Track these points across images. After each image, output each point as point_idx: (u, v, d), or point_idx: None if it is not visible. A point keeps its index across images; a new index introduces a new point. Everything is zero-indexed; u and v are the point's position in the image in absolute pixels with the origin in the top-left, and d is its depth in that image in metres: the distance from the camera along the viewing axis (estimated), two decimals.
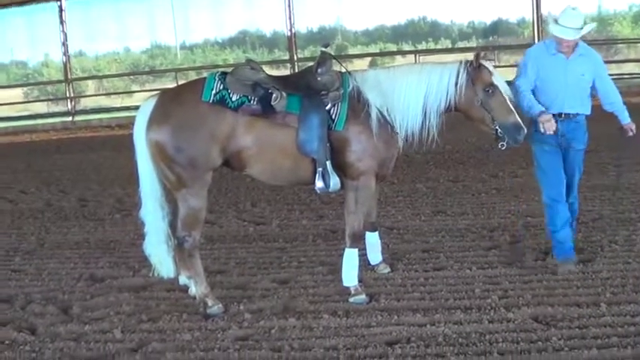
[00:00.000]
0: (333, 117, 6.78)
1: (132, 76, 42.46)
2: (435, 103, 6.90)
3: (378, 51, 38.92)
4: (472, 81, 6.85)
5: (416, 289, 7.23)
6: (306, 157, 6.78)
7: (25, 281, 8.19)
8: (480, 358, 5.71)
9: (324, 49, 7.08)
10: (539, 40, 28.34)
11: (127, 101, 34.18)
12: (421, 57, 30.47)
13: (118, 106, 32.79)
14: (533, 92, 7.32)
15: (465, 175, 12.64)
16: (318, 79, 6.86)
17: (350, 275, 7.09)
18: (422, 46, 40.04)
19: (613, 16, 43.77)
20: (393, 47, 43.77)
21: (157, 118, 6.70)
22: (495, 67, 7.19)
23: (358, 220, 7.04)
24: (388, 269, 7.71)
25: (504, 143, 6.91)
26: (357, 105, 6.85)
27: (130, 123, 26.76)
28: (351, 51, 39.97)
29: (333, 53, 7.13)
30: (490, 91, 6.84)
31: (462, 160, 14.07)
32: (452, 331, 6.20)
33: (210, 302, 6.90)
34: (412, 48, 41.41)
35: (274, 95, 6.69)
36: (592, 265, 7.61)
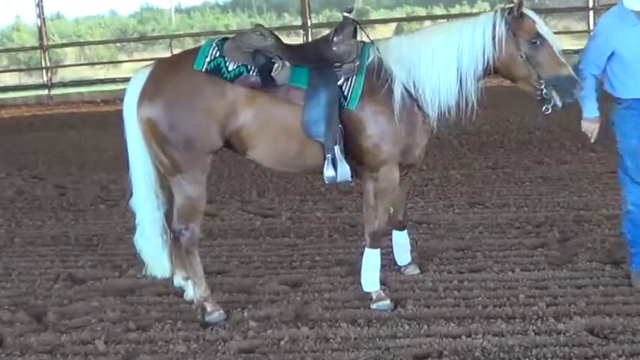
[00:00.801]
0: (346, 93, 6.68)
1: (118, 44, 42.60)
2: (470, 66, 6.70)
3: (404, 16, 38.84)
4: (513, 32, 6.61)
5: (449, 294, 7.18)
6: (314, 140, 6.71)
7: None
8: None
9: (346, 14, 6.96)
10: (593, 3, 28.15)
11: (113, 72, 34.30)
12: None
13: (103, 77, 32.85)
14: (610, 77, 7.08)
15: (506, 161, 12.60)
16: (334, 48, 6.77)
17: (370, 279, 7.05)
18: (455, 10, 39.99)
19: None
20: (421, 11, 43.77)
21: (148, 92, 6.66)
22: None
23: (380, 217, 6.98)
24: (418, 271, 7.67)
25: (549, 107, 6.64)
26: (377, 80, 6.71)
27: (116, 98, 26.95)
28: (373, 16, 40.05)
29: (355, 19, 7.02)
30: (537, 42, 6.60)
31: (501, 144, 14.02)
32: (491, 344, 6.15)
33: (209, 308, 6.86)
34: (444, 12, 41.41)
35: (275, 65, 6.59)
36: None
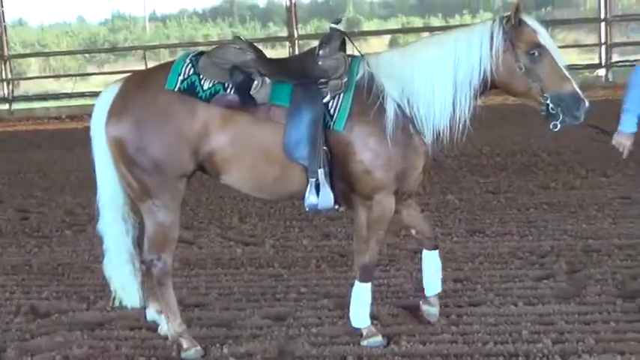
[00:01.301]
0: (332, 112, 6.59)
1: (87, 54, 42.56)
2: (466, 82, 6.60)
3: (399, 27, 38.97)
4: (511, 42, 6.50)
5: (446, 330, 7.21)
6: (297, 163, 6.64)
7: None
8: None
9: (334, 25, 6.89)
10: (605, 14, 28.29)
11: (82, 86, 34.23)
12: None
13: (70, 91, 32.79)
14: None
15: (508, 186, 12.65)
16: (319, 62, 6.68)
17: (361, 314, 7.03)
18: (455, 20, 40.15)
19: None
20: (418, 22, 43.89)
21: (116, 110, 6.65)
22: None
23: (372, 249, 6.93)
24: (436, 309, 7.42)
25: (557, 123, 6.48)
26: (367, 98, 6.61)
27: (84, 113, 26.93)
28: (366, 27, 40.13)
29: (344, 30, 7.01)
30: (536, 53, 6.47)
31: (503, 166, 14.08)
32: None
33: (185, 344, 6.86)
34: (442, 23, 41.54)
35: (255, 82, 6.53)
36: None
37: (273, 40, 36.51)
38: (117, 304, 7.12)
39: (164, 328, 7.07)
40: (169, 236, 6.80)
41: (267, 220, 11.26)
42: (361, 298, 7.01)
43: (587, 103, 6.47)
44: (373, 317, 7.39)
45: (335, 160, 6.62)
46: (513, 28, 6.50)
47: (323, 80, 6.61)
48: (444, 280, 8.20)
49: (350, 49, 6.96)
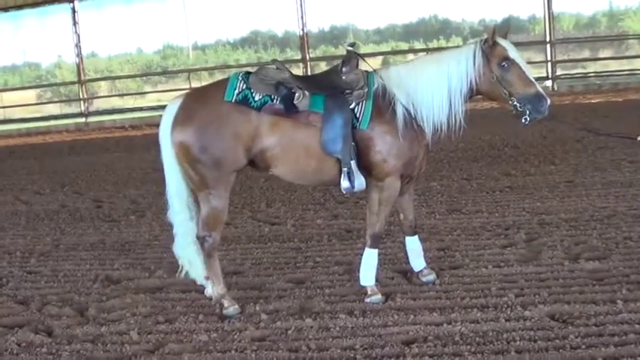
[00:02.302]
0: (358, 116, 6.67)
1: (144, 77, 42.54)
2: (457, 90, 6.72)
3: (389, 50, 38.83)
4: (487, 58, 6.63)
5: (432, 288, 7.20)
6: (331, 157, 6.70)
7: (41, 283, 8.19)
8: (497, 356, 5.67)
9: (350, 48, 6.99)
10: (550, 37, 28.29)
11: (140, 102, 34.30)
12: None
13: (131, 106, 32.86)
14: None
15: (479, 173, 12.60)
16: (343, 77, 6.79)
17: (368, 275, 7.03)
18: (433, 44, 40.01)
19: (624, 12, 43.62)
20: (404, 46, 43.75)
21: (181, 119, 6.68)
22: None
23: (380, 222, 6.97)
24: (433, 275, 7.44)
25: (527, 117, 6.58)
26: (382, 103, 6.73)
27: (143, 123, 26.95)
28: (363, 50, 39.95)
29: (357, 52, 7.03)
30: (505, 65, 6.58)
31: (475, 158, 14.04)
32: (469, 330, 6.17)
33: (226, 303, 6.87)
34: (424, 46, 41.42)
35: (297, 94, 6.62)
36: (607, 262, 7.57)
37: (289, 62, 36.36)
38: (183, 276, 7.13)
39: (209, 291, 7.08)
40: (220, 219, 6.81)
41: (289, 205, 11.24)
42: (370, 262, 7.03)
43: (548, 101, 6.57)
44: (376, 279, 7.42)
45: (360, 152, 6.69)
46: (489, 47, 6.62)
47: (348, 91, 6.70)
48: (430, 249, 8.23)
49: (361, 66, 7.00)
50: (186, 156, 6.64)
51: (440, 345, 5.93)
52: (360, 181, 6.70)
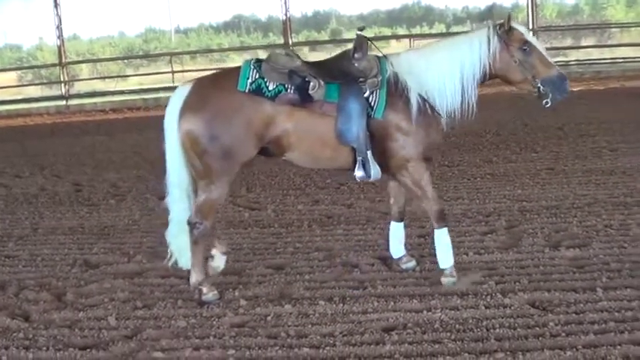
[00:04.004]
0: (372, 104, 6.61)
1: (126, 60, 42.46)
2: (470, 75, 6.72)
3: (372, 35, 38.85)
4: (505, 43, 6.65)
5: (412, 275, 7.19)
6: (345, 145, 6.64)
7: (19, 267, 8.12)
8: (477, 344, 5.66)
9: (359, 32, 6.92)
10: (533, 25, 28.32)
11: (121, 85, 34.19)
12: (415, 41, 30.41)
13: (112, 90, 32.70)
14: None
15: (460, 160, 12.58)
16: (355, 64, 6.70)
17: (446, 256, 6.95)
18: (416, 30, 40.11)
19: (606, 1, 43.78)
20: (387, 31, 43.78)
21: (191, 107, 6.56)
22: None
23: (433, 199, 6.86)
24: (413, 262, 7.42)
25: (549, 100, 6.66)
26: (396, 91, 6.67)
27: (124, 107, 26.78)
28: (346, 35, 39.92)
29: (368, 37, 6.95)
30: (527, 48, 6.65)
31: (456, 145, 13.99)
32: (448, 317, 6.16)
33: (205, 289, 6.81)
34: (406, 32, 41.46)
35: (312, 84, 6.52)
36: (588, 249, 7.57)
37: (272, 47, 36.32)
38: (170, 264, 7.06)
39: (213, 265, 7.14)
40: (214, 208, 6.75)
41: (269, 190, 11.20)
42: (443, 242, 6.95)
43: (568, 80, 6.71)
44: (353, 266, 7.39)
45: (375, 141, 6.64)
46: (506, 32, 6.65)
47: (362, 79, 6.62)
48: (410, 236, 8.21)
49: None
50: (194, 145, 6.53)
51: (419, 332, 5.91)
52: (375, 171, 6.64)
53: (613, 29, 38.76)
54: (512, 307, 6.27)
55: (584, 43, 36.67)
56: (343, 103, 6.56)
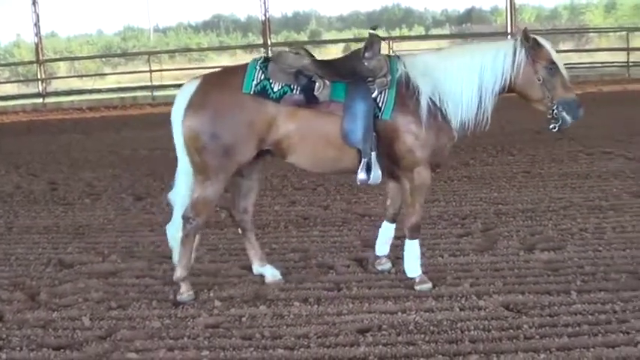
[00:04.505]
0: (380, 105, 6.53)
1: (104, 59, 42.34)
2: (490, 85, 6.62)
3: (352, 37, 38.87)
4: (532, 58, 6.56)
5: (387, 277, 7.19)
6: (350, 147, 6.56)
7: None
8: (452, 345, 5.67)
9: (372, 31, 6.82)
10: (511, 28, 28.45)
11: (99, 83, 34.10)
12: (395, 44, 30.45)
13: (90, 88, 32.59)
14: None
15: None
16: (365, 64, 6.60)
17: (413, 266, 6.91)
18: (395, 32, 40.19)
19: (585, 6, 44.04)
20: (366, 33, 43.85)
21: (195, 104, 6.52)
22: None
23: (417, 212, 6.84)
24: (389, 265, 7.39)
25: (557, 125, 6.61)
26: (406, 92, 6.57)
27: (101, 105, 26.67)
28: (325, 37, 40.00)
29: (381, 35, 6.84)
30: (552, 69, 6.56)
31: None
32: (423, 319, 6.16)
33: (182, 288, 6.79)
34: (386, 34, 41.51)
35: (317, 84, 6.45)
36: (562, 252, 7.61)
37: (251, 47, 36.30)
38: (175, 257, 6.99)
39: (268, 278, 7.12)
40: (210, 206, 6.76)
41: None
42: (412, 253, 6.92)
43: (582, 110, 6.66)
44: (329, 267, 7.40)
45: (382, 143, 6.56)
46: (532, 47, 6.55)
47: (370, 79, 6.54)
48: None
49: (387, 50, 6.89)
50: (194, 141, 6.51)
51: (394, 334, 5.91)
52: (376, 174, 6.57)
53: (591, 34, 39.00)
54: (487, 310, 6.29)
55: (562, 48, 36.80)
56: (350, 102, 6.49)
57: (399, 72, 6.62)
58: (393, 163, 6.68)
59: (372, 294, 6.75)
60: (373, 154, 6.52)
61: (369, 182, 6.63)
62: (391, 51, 6.76)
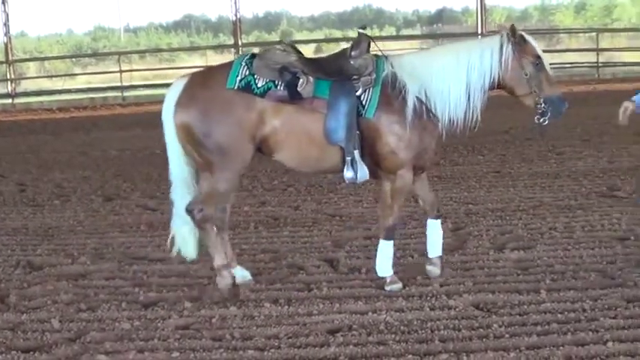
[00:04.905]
0: (364, 103, 6.52)
1: (74, 59, 42.10)
2: (478, 83, 6.60)
3: (323, 37, 38.92)
4: (519, 54, 6.57)
5: (358, 277, 7.21)
6: (334, 145, 6.56)
7: None
8: (422, 345, 5.69)
9: (361, 30, 6.85)
10: (482, 29, 28.58)
11: (69, 83, 33.88)
12: None
13: (60, 88, 32.39)
14: None
15: None
16: (351, 62, 6.60)
17: (384, 266, 6.90)
18: (367, 33, 40.25)
19: (555, 7, 44.31)
20: (338, 34, 43.87)
21: (183, 101, 6.54)
22: None
23: (394, 214, 6.85)
24: (437, 271, 7.13)
25: (546, 118, 6.60)
26: (392, 92, 6.55)
27: (71, 106, 26.50)
28: (297, 37, 40.00)
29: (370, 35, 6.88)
30: (538, 64, 6.58)
31: None
32: (393, 319, 6.18)
33: (224, 274, 6.87)
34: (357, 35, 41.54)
35: (301, 80, 6.45)
36: (532, 252, 7.67)
37: (222, 47, 36.24)
38: (175, 252, 7.06)
39: (239, 278, 7.08)
40: (218, 199, 6.77)
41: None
42: (385, 253, 6.91)
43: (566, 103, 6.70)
44: (299, 268, 7.40)
45: (365, 142, 6.55)
46: (518, 43, 6.56)
47: (355, 77, 6.53)
48: (356, 238, 8.25)
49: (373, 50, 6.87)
50: (189, 138, 6.53)
51: (365, 334, 5.93)
52: (363, 172, 6.57)
53: (561, 34, 39.24)
54: (457, 309, 6.32)
55: None
56: (333, 100, 6.49)
57: (385, 71, 6.62)
58: (375, 164, 6.67)
59: (342, 294, 6.76)
60: (356, 152, 6.51)
61: (356, 181, 6.64)
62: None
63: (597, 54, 30.31)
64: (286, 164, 6.93)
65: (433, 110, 6.60)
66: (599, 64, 29.68)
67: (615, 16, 46.37)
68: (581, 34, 38.19)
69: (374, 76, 6.57)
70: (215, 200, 6.73)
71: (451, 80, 6.60)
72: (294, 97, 6.47)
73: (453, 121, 6.64)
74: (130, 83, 31.19)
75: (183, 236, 6.95)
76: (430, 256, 7.19)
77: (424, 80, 6.60)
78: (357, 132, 6.50)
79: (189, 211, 6.76)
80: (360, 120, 6.51)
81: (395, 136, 6.55)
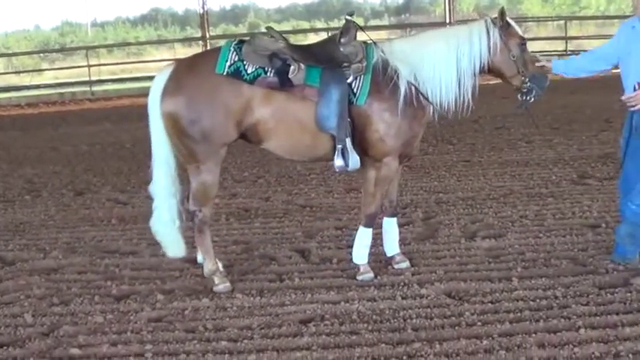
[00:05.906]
0: (355, 90, 6.50)
1: (42, 54, 41.84)
2: (468, 67, 6.65)
3: (290, 29, 38.85)
4: (505, 37, 6.64)
5: (329, 267, 7.24)
6: (326, 133, 6.54)
7: None
8: (394, 334, 5.72)
9: (348, 17, 6.79)
10: (450, 19, 28.66)
11: (37, 79, 33.64)
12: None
13: (28, 84, 32.15)
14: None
15: None
16: (341, 49, 6.57)
17: (360, 253, 6.92)
18: (334, 23, 40.16)
19: None
20: (305, 25, 43.85)
21: (170, 89, 6.47)
22: None
23: (377, 202, 6.84)
24: (407, 263, 7.17)
25: (532, 97, 6.68)
26: (383, 79, 6.55)
27: (39, 102, 26.33)
28: (264, 29, 39.98)
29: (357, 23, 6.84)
30: (523, 45, 6.69)
31: None
32: (366, 308, 6.21)
33: (217, 280, 6.77)
34: (325, 25, 41.62)
35: (292, 67, 6.41)
36: (503, 240, 7.72)
37: (189, 40, 36.10)
38: (166, 254, 6.99)
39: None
40: (210, 194, 6.70)
41: (186, 184, 11.10)
42: (364, 240, 6.94)
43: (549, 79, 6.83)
44: (271, 259, 7.41)
45: (355, 130, 6.54)
46: (503, 27, 6.63)
47: (346, 64, 6.51)
48: (327, 228, 8.26)
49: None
50: (175, 128, 6.47)
51: (337, 323, 5.95)
52: (354, 160, 6.54)
53: (529, 23, 39.39)
54: (429, 298, 6.35)
55: None
56: (324, 87, 6.46)
57: (376, 58, 6.62)
58: (363, 152, 6.65)
59: (314, 284, 6.78)
60: (348, 140, 6.50)
61: (347, 169, 6.61)
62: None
63: (566, 42, 30.46)
64: (275, 152, 6.90)
65: (425, 95, 6.62)
66: (568, 52, 29.82)
67: (583, 4, 46.65)
68: (549, 22, 38.39)
69: (365, 63, 6.56)
70: (207, 196, 6.69)
71: (442, 65, 6.64)
72: (285, 84, 6.44)
73: (444, 104, 6.68)
74: (99, 78, 31.03)
75: (170, 235, 6.86)
76: (388, 255, 7.26)
77: (416, 66, 6.62)
78: (349, 120, 6.49)
79: (189, 213, 6.75)
80: (352, 107, 6.50)
81: (385, 124, 6.56)
